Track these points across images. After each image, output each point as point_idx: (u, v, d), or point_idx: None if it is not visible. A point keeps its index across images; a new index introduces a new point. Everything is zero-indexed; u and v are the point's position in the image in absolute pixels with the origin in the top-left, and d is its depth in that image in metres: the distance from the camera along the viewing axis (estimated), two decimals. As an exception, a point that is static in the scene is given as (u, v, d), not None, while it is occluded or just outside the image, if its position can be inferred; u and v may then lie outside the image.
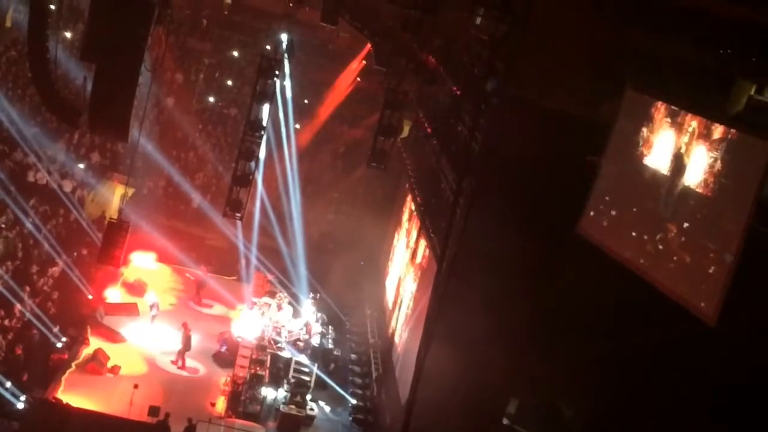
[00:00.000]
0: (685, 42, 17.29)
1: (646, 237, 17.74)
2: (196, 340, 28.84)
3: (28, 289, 27.94)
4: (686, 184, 16.77)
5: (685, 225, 16.77)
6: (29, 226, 31.19)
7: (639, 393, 17.09)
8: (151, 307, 30.14)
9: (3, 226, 30.73)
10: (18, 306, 26.92)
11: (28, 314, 26.93)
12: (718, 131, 16.23)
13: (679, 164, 17.09)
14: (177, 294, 33.40)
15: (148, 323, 29.85)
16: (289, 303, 31.80)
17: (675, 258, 16.84)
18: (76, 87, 31.65)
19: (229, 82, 45.03)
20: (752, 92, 17.14)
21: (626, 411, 17.46)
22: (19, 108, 36.17)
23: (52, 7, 19.92)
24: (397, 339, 29.13)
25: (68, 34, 37.98)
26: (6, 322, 26.31)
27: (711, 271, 15.72)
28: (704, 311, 15.47)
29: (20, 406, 23.68)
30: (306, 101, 42.01)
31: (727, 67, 16.92)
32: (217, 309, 32.84)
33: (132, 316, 30.24)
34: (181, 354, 28.10)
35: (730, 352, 15.30)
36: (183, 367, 28.04)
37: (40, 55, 20.11)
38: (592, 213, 19.46)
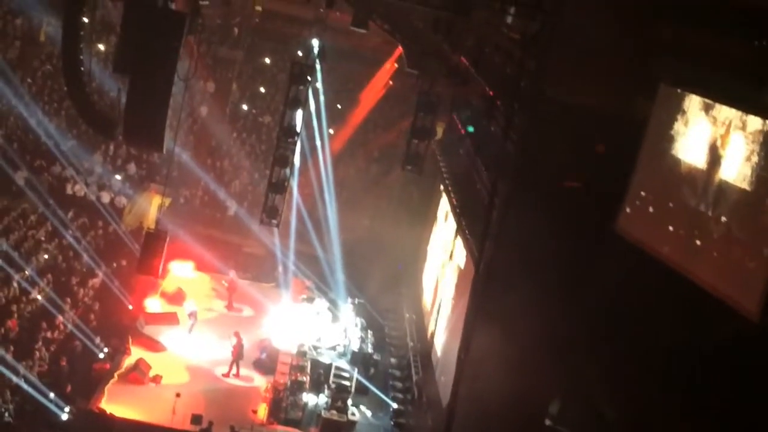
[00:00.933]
0: (718, 33, 17.10)
1: (683, 232, 17.56)
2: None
3: (69, 300, 28.24)
4: (723, 177, 16.58)
5: (723, 219, 16.57)
6: (69, 238, 31.53)
7: (682, 394, 16.91)
8: (190, 315, 30.29)
9: (43, 238, 31.08)
10: (60, 318, 27.20)
11: (70, 326, 27.21)
12: (754, 123, 16.03)
13: (714, 157, 16.91)
14: (214, 302, 33.54)
15: (187, 332, 29.98)
16: (328, 309, 31.85)
17: (714, 253, 16.64)
18: (110, 99, 31.90)
19: (262, 90, 45.18)
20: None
21: (669, 413, 17.28)
22: (55, 122, 36.65)
23: (85, 20, 20.04)
24: (436, 342, 29.06)
25: (102, 47, 38.29)
26: (49, 334, 26.61)
27: (751, 265, 15.53)
28: (747, 307, 15.28)
29: (64, 417, 23.93)
30: (339, 106, 42.03)
31: (762, 58, 16.71)
32: (247, 312, 32.94)
33: (172, 325, 30.39)
34: (235, 362, 28.17)
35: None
36: (237, 375, 28.13)
37: (74, 69, 20.28)
38: (629, 210, 19.30)
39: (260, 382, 28.23)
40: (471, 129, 20.94)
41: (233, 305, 33.05)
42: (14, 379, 24.05)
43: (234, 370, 28.13)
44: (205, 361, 28.69)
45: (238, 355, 28.10)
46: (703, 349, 16.23)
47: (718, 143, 16.85)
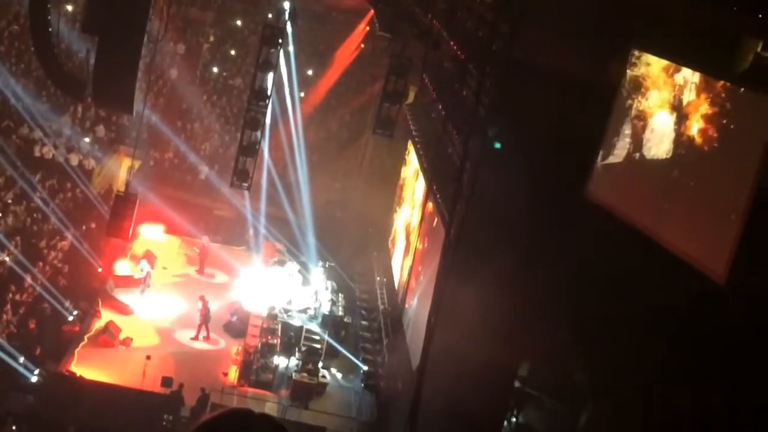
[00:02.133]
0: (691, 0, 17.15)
1: (652, 195, 17.70)
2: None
3: (39, 264, 28.05)
4: (687, 138, 16.70)
5: (691, 183, 16.72)
6: (37, 200, 31.28)
7: (650, 355, 17.10)
8: (144, 278, 30.11)
9: (10, 201, 30.81)
10: (29, 280, 27.04)
11: (38, 288, 27.05)
12: (719, 86, 16.14)
13: (679, 119, 17.02)
14: (186, 267, 33.47)
15: (139, 292, 29.83)
16: (299, 272, 31.89)
17: (682, 217, 16.79)
18: (79, 60, 31.58)
19: (233, 52, 44.85)
20: (759, 49, 17.00)
21: (637, 374, 17.48)
22: (23, 83, 36.17)
23: (53, -21, 19.81)
24: (407, 305, 29.17)
25: (69, 8, 37.80)
26: (17, 296, 26.45)
27: (718, 228, 15.67)
28: (714, 270, 15.43)
29: (34, 379, 23.86)
30: (310, 72, 41.82)
31: (733, 25, 16.77)
32: (220, 278, 32.93)
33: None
34: (203, 326, 28.16)
35: (740, 311, 15.29)
36: (207, 338, 28.14)
37: (41, 29, 20.05)
38: (598, 174, 19.40)
39: (231, 344, 28.26)
40: (498, 145, 21.06)
41: (204, 270, 32.98)
42: (-18, 342, 23.96)
43: (204, 333, 28.13)
44: (175, 325, 28.66)
45: (204, 318, 28.10)
46: (673, 312, 16.41)
47: (685, 105, 16.94)
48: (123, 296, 29.39)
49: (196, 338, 28.09)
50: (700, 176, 16.43)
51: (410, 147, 34.26)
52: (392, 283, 33.04)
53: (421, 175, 30.59)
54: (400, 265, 32.47)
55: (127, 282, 30.33)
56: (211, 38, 45.10)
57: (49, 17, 19.89)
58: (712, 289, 15.30)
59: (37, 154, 34.72)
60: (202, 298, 28.37)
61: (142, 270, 30.25)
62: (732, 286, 15.03)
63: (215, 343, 28.23)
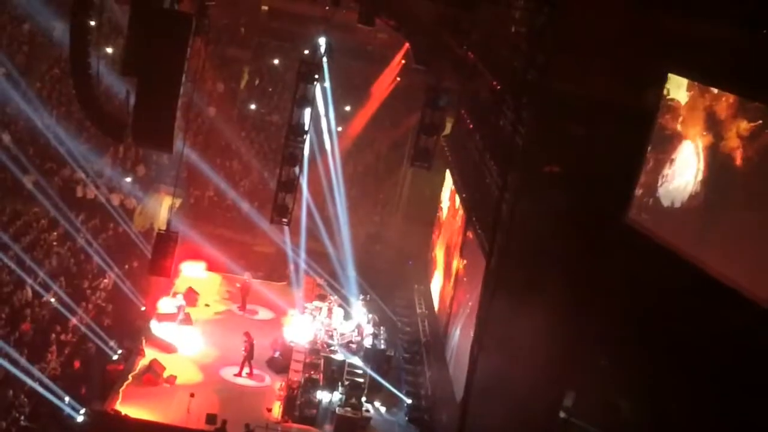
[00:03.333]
0: (724, 23, 17.08)
1: (692, 220, 17.59)
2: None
3: (82, 303, 28.30)
4: (727, 161, 16.60)
5: (730, 206, 16.60)
6: (80, 241, 31.60)
7: (695, 383, 16.88)
8: (178, 308, 30.23)
9: (55, 242, 31.17)
10: (73, 320, 27.27)
11: (83, 328, 27.27)
12: (756, 108, 16.06)
13: (719, 142, 16.93)
14: (225, 302, 33.58)
15: (175, 326, 29.89)
16: (340, 305, 31.87)
17: (722, 240, 16.65)
18: (119, 101, 31.97)
19: (270, 89, 45.22)
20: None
21: (684, 402, 17.26)
22: (65, 125, 36.70)
23: (92, 23, 20.09)
24: (449, 336, 29.05)
25: (109, 50, 38.34)
26: (62, 336, 26.68)
27: (759, 251, 15.51)
28: (756, 293, 15.26)
29: (80, 419, 23.99)
30: (347, 107, 42.02)
31: (766, 46, 16.69)
32: (263, 314, 32.94)
33: (185, 325, 30.43)
34: (247, 362, 28.20)
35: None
36: (251, 375, 28.17)
37: (82, 72, 20.35)
38: (637, 200, 19.30)
39: (274, 380, 28.27)
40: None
41: (246, 307, 33.03)
42: (29, 382, 24.13)
43: (247, 369, 28.17)
44: (218, 362, 28.72)
45: (249, 355, 28.13)
46: (716, 338, 16.21)
47: (722, 129, 16.86)
48: (162, 333, 29.50)
49: (239, 374, 28.12)
50: (740, 199, 16.31)
51: (448, 178, 34.29)
52: (434, 315, 32.95)
53: (460, 205, 30.57)
54: (440, 296, 32.39)
55: (170, 319, 30.46)
56: (248, 76, 45.53)
57: (90, 60, 20.17)
58: (755, 312, 15.14)
59: (79, 194, 35.17)
60: (246, 334, 28.41)
61: (176, 307, 30.37)
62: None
63: (260, 380, 28.23)
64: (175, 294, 32.05)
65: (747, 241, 16.01)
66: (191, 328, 30.30)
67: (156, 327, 29.47)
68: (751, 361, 15.51)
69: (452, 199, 33.07)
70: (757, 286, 15.28)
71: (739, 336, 15.78)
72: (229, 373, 28.26)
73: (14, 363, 24.35)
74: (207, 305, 31.58)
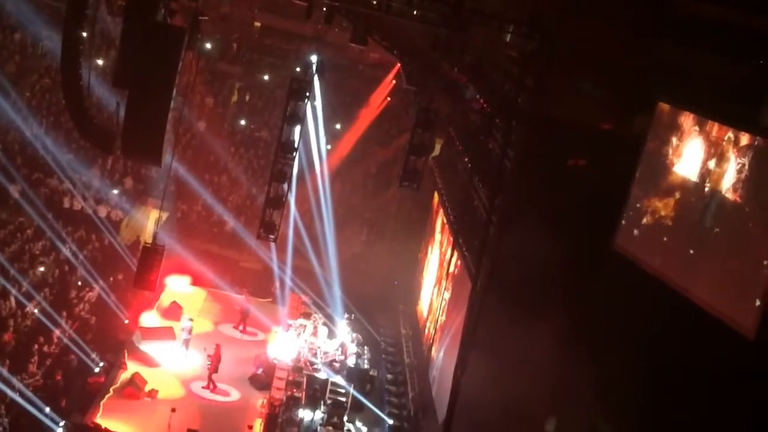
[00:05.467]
0: (715, 54, 17.21)
1: (678, 247, 17.63)
2: (230, 362, 28.93)
3: (65, 314, 28.16)
4: (716, 190, 16.67)
5: (716, 230, 16.65)
6: (65, 252, 31.46)
7: (678, 411, 16.90)
8: (183, 330, 30.15)
9: (38, 252, 31.03)
10: (56, 332, 27.12)
11: (65, 340, 27.12)
12: (745, 138, 16.14)
13: (708, 171, 17.00)
14: (213, 318, 33.45)
15: (181, 347, 29.86)
16: (324, 324, 31.83)
17: (710, 270, 16.69)
18: (109, 113, 31.91)
19: (260, 105, 45.26)
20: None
21: (666, 428, 17.28)
22: (53, 135, 36.60)
23: (84, 34, 20.05)
24: (433, 358, 29.03)
25: (100, 61, 38.33)
26: (45, 348, 26.52)
27: (746, 280, 15.55)
28: (742, 324, 15.30)
29: (59, 431, 23.81)
30: (338, 125, 42.08)
31: (759, 78, 16.80)
32: (261, 336, 32.69)
33: (168, 340, 30.30)
34: (209, 376, 28.02)
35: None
36: (214, 389, 27.97)
37: (73, 83, 20.27)
38: (626, 227, 19.35)
39: (256, 397, 28.16)
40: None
41: (246, 329, 32.82)
42: (9, 393, 23.96)
43: (211, 386, 27.96)
44: (201, 377, 28.58)
45: (213, 368, 27.94)
46: (700, 367, 16.24)
47: (711, 157, 16.94)
48: (159, 351, 29.37)
49: (207, 387, 27.95)
50: (729, 230, 16.36)
51: (436, 199, 34.35)
52: (418, 336, 32.93)
53: (447, 227, 30.62)
54: (426, 317, 32.38)
55: (153, 334, 30.35)
56: (239, 92, 45.56)
57: (81, 71, 20.12)
58: (740, 343, 15.16)
59: (66, 205, 35.04)
60: (217, 346, 28.29)
61: (183, 329, 30.19)
62: (761, 341, 14.89)
63: (225, 394, 28.04)
64: (161, 309, 31.99)
65: (734, 273, 16.05)
66: (175, 343, 30.15)
67: (164, 350, 29.41)
68: (735, 391, 15.54)
69: (440, 221, 33.11)
70: (743, 317, 15.32)
71: (724, 366, 15.81)
72: (197, 386, 28.07)
73: (-5, 373, 24.22)
74: (191, 320, 31.39)
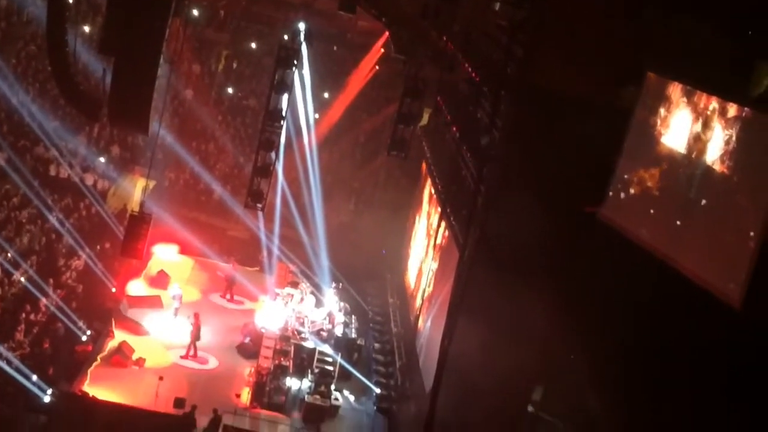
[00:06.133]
0: (705, 24, 17.14)
1: (666, 220, 17.63)
2: (218, 331, 28.98)
3: (52, 282, 28.10)
4: (703, 161, 16.67)
5: (703, 202, 16.66)
6: (52, 220, 31.36)
7: (665, 381, 16.97)
8: (174, 298, 30.17)
9: (25, 220, 30.91)
10: (43, 300, 27.08)
11: (52, 308, 27.08)
12: (733, 109, 16.12)
13: (695, 142, 16.99)
14: (201, 286, 33.44)
15: (171, 316, 29.88)
16: (312, 293, 31.83)
17: (697, 241, 16.71)
18: (95, 80, 31.72)
19: (248, 73, 45.02)
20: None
21: (652, 400, 17.35)
22: (39, 103, 36.37)
23: (70, 0, 19.89)
24: (420, 327, 29.09)
25: (87, 28, 38.04)
26: (32, 316, 26.48)
27: (733, 252, 15.58)
28: (729, 295, 15.34)
29: (47, 399, 23.84)
30: (326, 93, 41.90)
31: (749, 49, 16.75)
32: (249, 305, 32.70)
33: (155, 309, 30.30)
34: (192, 344, 28.05)
35: (756, 336, 15.17)
36: (195, 356, 27.96)
37: (59, 49, 20.14)
38: (613, 198, 19.34)
39: (244, 366, 28.21)
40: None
41: (234, 298, 32.85)
42: (-4, 361, 23.98)
43: (192, 351, 28.00)
44: (176, 347, 28.53)
45: (194, 336, 27.98)
46: (687, 338, 16.29)
47: (699, 128, 16.92)
48: (146, 319, 29.37)
49: (186, 357, 27.96)
50: (716, 200, 16.37)
51: (424, 169, 34.30)
52: (406, 305, 32.99)
53: (435, 197, 30.60)
54: (414, 287, 32.42)
55: (140, 302, 30.33)
56: (226, 59, 45.29)
57: (67, 37, 19.97)
58: (727, 314, 15.21)
59: (52, 173, 34.88)
60: (196, 315, 28.29)
61: (173, 297, 30.19)
62: (748, 312, 14.93)
63: (203, 362, 28.06)
64: (149, 278, 31.98)
65: (721, 244, 16.07)
66: (162, 312, 30.14)
67: (152, 318, 29.41)
68: (722, 362, 15.60)
69: (428, 191, 33.09)
70: (729, 288, 15.36)
71: (710, 337, 15.86)
72: (176, 354, 28.08)
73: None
74: (180, 288, 31.33)
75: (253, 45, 45.37)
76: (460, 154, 26.80)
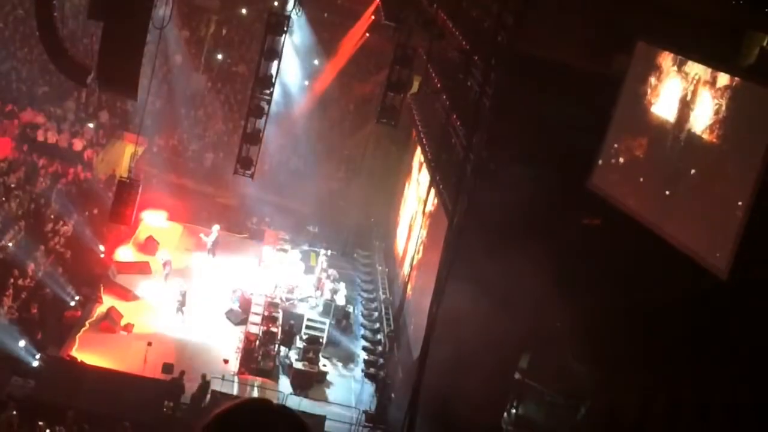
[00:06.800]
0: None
1: (654, 187, 17.71)
2: (207, 297, 29.03)
3: (41, 248, 28.06)
4: (692, 131, 16.71)
5: (692, 171, 16.72)
6: (40, 185, 31.27)
7: (651, 349, 17.10)
8: (164, 264, 30.17)
9: (13, 185, 30.81)
10: (31, 265, 27.05)
11: (41, 273, 27.06)
12: (723, 79, 16.15)
13: (685, 111, 17.02)
14: (189, 252, 33.40)
15: (162, 281, 29.89)
16: (301, 260, 31.86)
17: (684, 207, 16.80)
18: (84, 45, 31.56)
19: (237, 39, 44.79)
20: (764, 44, 16.99)
21: (638, 367, 17.49)
22: (27, 68, 36.15)
23: (59, -36, 19.76)
24: (409, 294, 29.17)
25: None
26: (20, 281, 26.46)
27: (721, 221, 15.67)
28: (715, 264, 15.43)
29: (35, 364, 23.87)
30: (315, 60, 41.73)
31: (739, 19, 16.76)
32: (232, 265, 32.68)
33: (144, 275, 30.32)
34: (180, 311, 28.11)
35: (742, 306, 15.28)
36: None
37: (47, 14, 20.01)
38: (602, 166, 19.39)
39: (232, 332, 28.27)
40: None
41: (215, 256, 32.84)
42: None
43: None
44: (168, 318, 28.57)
45: (180, 304, 28.03)
46: (673, 306, 16.41)
47: (689, 97, 16.95)
48: (137, 286, 29.38)
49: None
50: (704, 170, 16.43)
51: (414, 137, 34.25)
52: (394, 273, 33.06)
53: (424, 164, 30.58)
54: (402, 254, 32.48)
55: (129, 268, 30.33)
56: (215, 25, 45.02)
57: (55, 2, 19.84)
58: (713, 283, 15.30)
59: (40, 138, 34.74)
60: (181, 282, 28.39)
61: (162, 261, 30.17)
62: (734, 281, 15.03)
63: (219, 330, 28.12)
64: (137, 243, 31.95)
65: (709, 214, 16.15)
66: (151, 277, 30.17)
67: (117, 277, 29.42)
68: (706, 329, 15.73)
69: (417, 159, 33.07)
70: (717, 257, 15.45)
71: (696, 305, 15.98)
72: (171, 320, 28.10)
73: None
74: (168, 254, 31.32)
75: (243, 11, 45.09)
76: (450, 122, 26.77)
